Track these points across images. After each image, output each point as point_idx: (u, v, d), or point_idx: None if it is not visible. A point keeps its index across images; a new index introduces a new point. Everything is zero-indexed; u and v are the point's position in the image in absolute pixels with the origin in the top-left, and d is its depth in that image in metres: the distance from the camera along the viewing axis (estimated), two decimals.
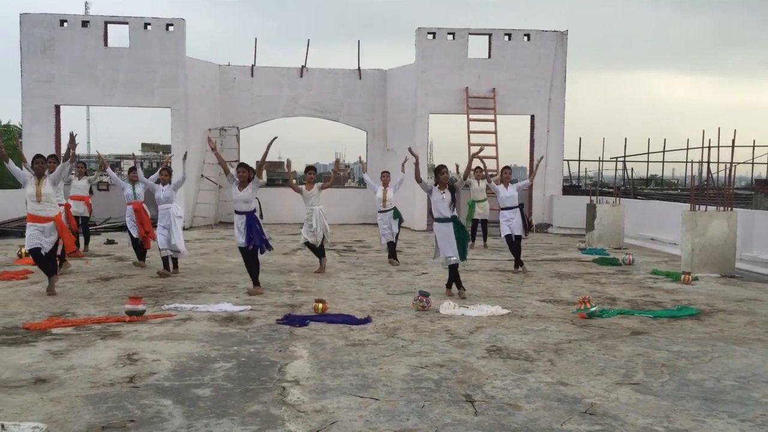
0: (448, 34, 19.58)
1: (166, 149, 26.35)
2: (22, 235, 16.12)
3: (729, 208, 11.19)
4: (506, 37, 19.74)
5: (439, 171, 8.83)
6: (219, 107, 20.77)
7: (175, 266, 10.64)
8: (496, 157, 19.22)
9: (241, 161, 9.85)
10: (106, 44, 18.81)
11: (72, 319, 7.08)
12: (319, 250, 10.86)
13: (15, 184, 23.47)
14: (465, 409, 4.53)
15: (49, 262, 8.64)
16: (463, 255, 8.81)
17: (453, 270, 8.88)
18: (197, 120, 19.79)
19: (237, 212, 9.05)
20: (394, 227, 12.03)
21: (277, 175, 44.72)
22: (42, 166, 8.60)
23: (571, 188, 23.37)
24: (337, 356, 5.80)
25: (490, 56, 19.73)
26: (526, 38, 19.80)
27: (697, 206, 11.30)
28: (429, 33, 19.55)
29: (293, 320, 7.11)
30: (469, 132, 19.26)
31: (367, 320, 7.21)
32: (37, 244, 8.47)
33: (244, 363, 5.58)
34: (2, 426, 3.76)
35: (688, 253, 10.96)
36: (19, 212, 17.59)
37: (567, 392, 4.91)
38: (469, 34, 19.74)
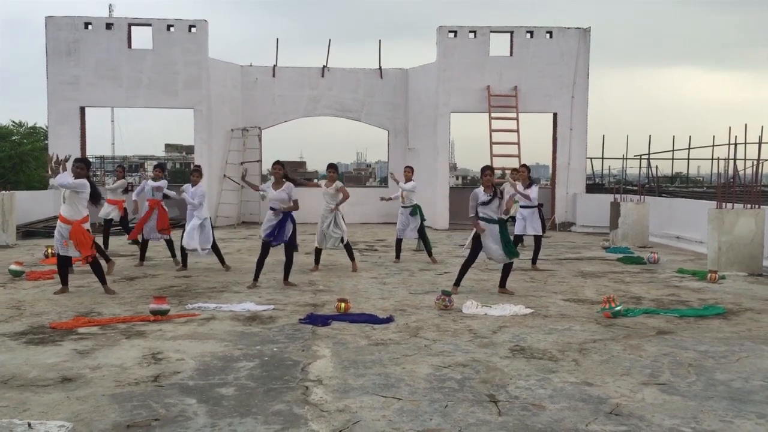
0: (470, 32, 19.51)
1: (190, 150, 26.56)
2: (48, 235, 16.44)
3: (756, 206, 11.02)
4: (528, 35, 19.62)
5: (483, 173, 8.81)
6: (241, 108, 20.89)
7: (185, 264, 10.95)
8: (518, 156, 19.12)
9: (276, 159, 9.99)
10: (129, 46, 19.02)
11: (97, 319, 7.15)
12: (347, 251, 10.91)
13: (41, 186, 23.81)
14: (488, 409, 4.50)
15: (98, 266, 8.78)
16: (512, 254, 8.75)
17: (506, 270, 8.92)
18: (220, 121, 19.93)
19: (270, 208, 9.36)
20: (412, 224, 12.02)
21: (299, 174, 44.97)
22: (82, 171, 8.69)
23: (594, 186, 23.15)
24: (360, 356, 5.79)
25: (511, 54, 19.63)
26: (548, 36, 19.66)
27: (723, 204, 11.14)
28: (450, 31, 19.49)
29: (316, 320, 7.12)
30: (491, 130, 19.17)
31: (389, 320, 7.20)
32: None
33: (267, 362, 5.60)
34: (29, 425, 3.80)
35: (715, 251, 10.81)
36: (46, 213, 17.87)
37: (592, 392, 4.86)
38: (491, 32, 19.65)
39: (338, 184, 10.74)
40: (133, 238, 11.85)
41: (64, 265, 8.77)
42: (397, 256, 12.13)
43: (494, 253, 8.72)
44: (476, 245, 8.83)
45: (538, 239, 11.33)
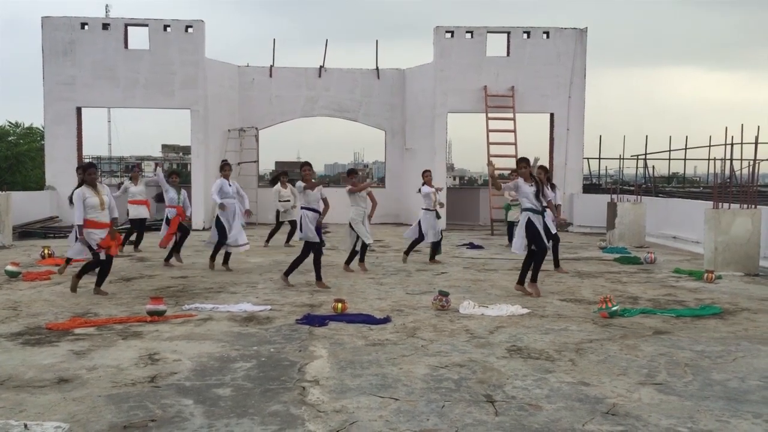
0: (467, 32, 19.54)
1: (186, 150, 26.55)
2: (45, 236, 16.43)
3: (753, 206, 11.04)
4: (525, 35, 19.65)
5: (518, 165, 9.01)
6: (238, 108, 20.89)
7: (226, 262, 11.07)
8: (515, 156, 19.13)
9: (305, 160, 10.10)
10: (126, 46, 19.01)
11: (94, 320, 7.14)
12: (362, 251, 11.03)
13: (37, 186, 23.78)
14: (485, 410, 4.50)
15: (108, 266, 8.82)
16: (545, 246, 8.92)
17: (540, 262, 8.90)
18: (216, 121, 19.92)
19: (313, 210, 9.40)
20: (438, 227, 12.07)
21: (296, 175, 44.93)
22: (92, 175, 8.72)
23: (591, 186, 23.19)
24: (357, 356, 5.79)
25: (508, 54, 19.66)
26: (545, 36, 19.69)
27: (720, 204, 11.16)
28: (447, 32, 19.52)
29: (313, 320, 7.12)
30: (488, 131, 19.20)
31: (386, 320, 7.20)
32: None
33: (264, 363, 5.59)
34: (25, 425, 3.80)
35: (711, 251, 10.83)
36: (42, 214, 17.86)
37: (589, 392, 4.86)
38: (488, 32, 19.68)
39: (368, 189, 10.94)
40: (164, 245, 11.81)
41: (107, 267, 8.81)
42: (407, 255, 12.12)
43: (541, 243, 8.74)
44: (532, 236, 8.75)
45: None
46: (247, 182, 19.13)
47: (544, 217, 8.99)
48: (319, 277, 9.47)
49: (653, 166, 25.62)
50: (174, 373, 5.27)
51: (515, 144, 19.05)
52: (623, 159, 24.22)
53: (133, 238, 13.63)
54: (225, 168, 11.25)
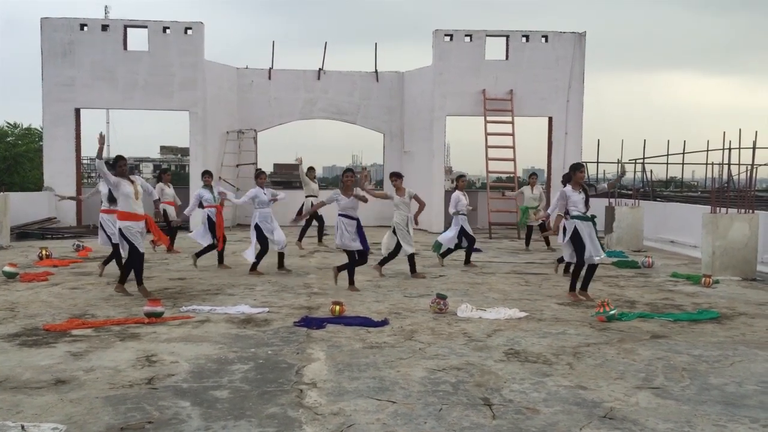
0: (466, 35, 19.56)
1: (185, 152, 26.54)
2: (42, 237, 16.41)
3: (750, 211, 11.06)
4: (524, 39, 19.69)
5: (578, 170, 8.89)
6: (237, 110, 20.89)
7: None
8: (514, 160, 19.16)
9: (347, 167, 10.07)
10: (125, 48, 19.00)
11: (91, 321, 7.13)
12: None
13: (35, 187, 23.75)
14: (483, 413, 4.50)
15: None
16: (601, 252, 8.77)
17: (592, 271, 8.78)
18: (215, 123, 19.93)
19: (349, 217, 9.30)
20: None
21: (294, 177, 44.88)
22: (124, 167, 8.76)
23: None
24: (355, 359, 5.79)
25: (507, 58, 19.69)
26: (543, 40, 19.73)
27: (717, 209, 11.17)
28: (446, 35, 19.54)
29: (310, 322, 7.12)
30: (487, 134, 19.21)
31: (384, 323, 7.20)
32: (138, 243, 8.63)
33: (261, 365, 5.59)
34: (22, 427, 3.80)
35: (709, 255, 10.84)
36: (40, 215, 17.83)
37: (586, 396, 4.87)
38: (487, 35, 19.71)
39: (411, 192, 10.66)
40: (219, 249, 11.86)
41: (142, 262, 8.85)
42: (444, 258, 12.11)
43: (592, 251, 8.60)
44: (578, 245, 8.67)
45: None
46: (245, 184, 19.11)
47: (595, 225, 8.84)
48: (350, 281, 9.42)
49: (651, 170, 25.64)
50: (171, 375, 5.26)
51: (513, 147, 19.08)
52: (621, 163, 24.23)
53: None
54: (261, 176, 11.28)
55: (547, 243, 14.88)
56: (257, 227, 10.81)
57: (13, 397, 4.70)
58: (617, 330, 6.99)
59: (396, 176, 10.91)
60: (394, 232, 10.61)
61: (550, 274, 10.93)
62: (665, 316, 7.70)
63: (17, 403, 4.58)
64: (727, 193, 12.32)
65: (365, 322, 7.17)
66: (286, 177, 45.33)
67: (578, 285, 8.80)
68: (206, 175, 11.92)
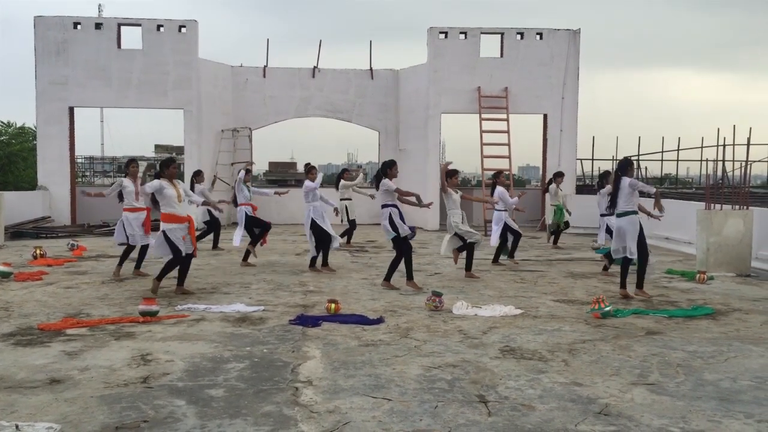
0: (460, 33, 19.54)
1: (180, 150, 26.49)
2: (37, 236, 16.36)
3: (744, 207, 11.09)
4: (518, 36, 19.67)
5: (630, 165, 8.81)
6: (231, 108, 20.83)
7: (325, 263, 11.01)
8: (509, 157, 19.17)
9: (391, 159, 10.06)
10: (119, 46, 18.93)
11: (86, 320, 7.12)
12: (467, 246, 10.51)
13: (29, 186, 23.67)
14: (478, 410, 4.51)
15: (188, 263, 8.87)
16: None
17: (626, 267, 8.74)
18: (210, 121, 19.88)
19: (394, 206, 9.27)
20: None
21: (289, 175, 44.85)
22: (175, 170, 8.81)
23: (584, 187, 23.22)
24: (350, 357, 5.79)
25: (502, 55, 19.67)
26: (538, 37, 19.72)
27: (712, 205, 11.20)
28: (441, 32, 19.51)
29: (306, 321, 7.11)
30: (482, 131, 19.21)
31: (379, 320, 7.20)
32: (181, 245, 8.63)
33: (257, 363, 5.59)
34: (17, 426, 3.78)
35: (704, 252, 10.87)
36: (34, 214, 17.77)
37: (581, 393, 4.88)
38: (481, 33, 19.69)
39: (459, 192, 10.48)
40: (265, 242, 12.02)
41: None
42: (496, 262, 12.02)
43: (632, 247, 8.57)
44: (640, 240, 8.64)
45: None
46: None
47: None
48: (408, 276, 9.31)
49: (646, 167, 25.74)
50: (166, 374, 5.25)
51: (509, 145, 19.08)
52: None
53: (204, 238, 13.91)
54: (312, 171, 11.30)
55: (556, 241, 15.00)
56: (314, 223, 10.84)
57: (8, 397, 4.69)
58: (612, 326, 7.00)
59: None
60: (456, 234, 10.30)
61: (545, 271, 10.94)
62: (660, 312, 7.72)
63: (12, 403, 4.57)
64: (721, 190, 12.34)
65: (361, 320, 7.17)
66: (281, 175, 45.30)
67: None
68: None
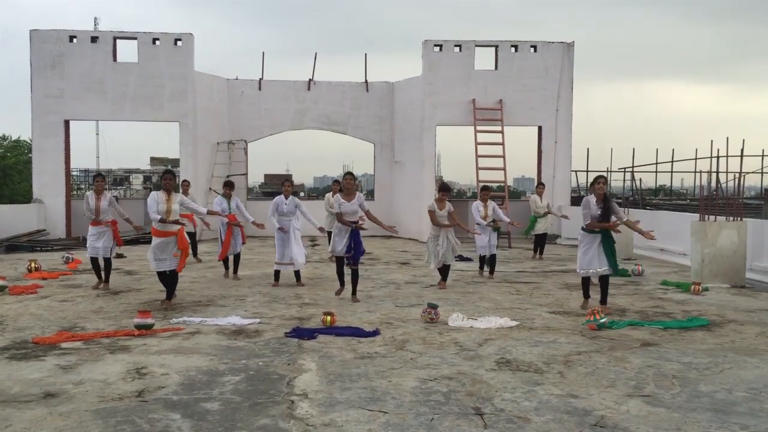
0: (455, 46, 19.65)
1: (175, 163, 26.48)
2: (32, 250, 16.33)
3: (739, 218, 11.13)
4: (513, 49, 19.79)
5: (595, 182, 8.90)
6: (227, 121, 20.89)
7: (298, 279, 10.83)
8: (504, 169, 19.23)
9: (348, 170, 9.94)
10: (115, 59, 18.98)
11: (81, 333, 7.10)
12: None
13: (24, 199, 23.65)
14: (474, 422, 4.50)
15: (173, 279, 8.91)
16: (614, 267, 8.77)
17: (604, 282, 8.79)
18: (205, 134, 19.91)
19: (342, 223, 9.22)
20: (493, 240, 12.02)
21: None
22: (172, 182, 8.78)
23: (579, 199, 23.27)
24: (346, 369, 5.78)
25: (496, 68, 19.78)
26: (532, 50, 19.84)
27: (706, 216, 11.24)
28: (436, 45, 19.62)
29: (302, 333, 7.10)
30: (477, 143, 19.28)
31: (375, 333, 7.19)
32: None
33: (252, 376, 5.58)
34: None
35: (698, 263, 10.90)
36: (29, 227, 17.73)
37: (577, 404, 4.88)
38: (476, 46, 19.82)
39: (450, 207, 10.52)
40: (222, 258, 11.82)
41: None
42: (491, 271, 12.04)
43: (594, 264, 8.72)
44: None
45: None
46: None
47: (610, 237, 8.97)
48: (353, 292, 9.35)
49: (640, 179, 25.81)
50: (162, 387, 5.24)
51: (503, 157, 19.15)
52: (611, 171, 24.42)
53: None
54: (285, 184, 11.11)
55: (540, 252, 15.00)
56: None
57: (2, 411, 4.67)
58: (608, 338, 7.01)
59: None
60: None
61: (541, 283, 10.95)
62: (655, 324, 7.73)
63: (6, 417, 4.55)
64: (715, 201, 12.40)
65: (356, 333, 7.16)
66: (276, 187, 45.32)
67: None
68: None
